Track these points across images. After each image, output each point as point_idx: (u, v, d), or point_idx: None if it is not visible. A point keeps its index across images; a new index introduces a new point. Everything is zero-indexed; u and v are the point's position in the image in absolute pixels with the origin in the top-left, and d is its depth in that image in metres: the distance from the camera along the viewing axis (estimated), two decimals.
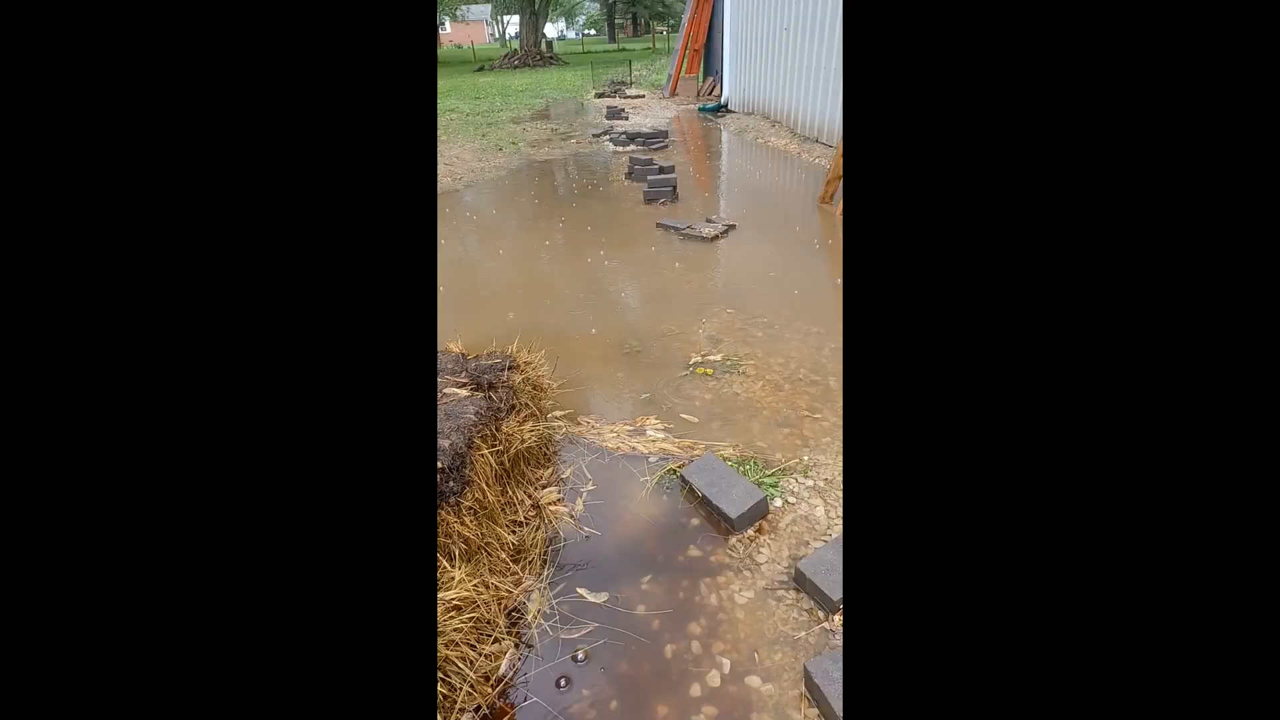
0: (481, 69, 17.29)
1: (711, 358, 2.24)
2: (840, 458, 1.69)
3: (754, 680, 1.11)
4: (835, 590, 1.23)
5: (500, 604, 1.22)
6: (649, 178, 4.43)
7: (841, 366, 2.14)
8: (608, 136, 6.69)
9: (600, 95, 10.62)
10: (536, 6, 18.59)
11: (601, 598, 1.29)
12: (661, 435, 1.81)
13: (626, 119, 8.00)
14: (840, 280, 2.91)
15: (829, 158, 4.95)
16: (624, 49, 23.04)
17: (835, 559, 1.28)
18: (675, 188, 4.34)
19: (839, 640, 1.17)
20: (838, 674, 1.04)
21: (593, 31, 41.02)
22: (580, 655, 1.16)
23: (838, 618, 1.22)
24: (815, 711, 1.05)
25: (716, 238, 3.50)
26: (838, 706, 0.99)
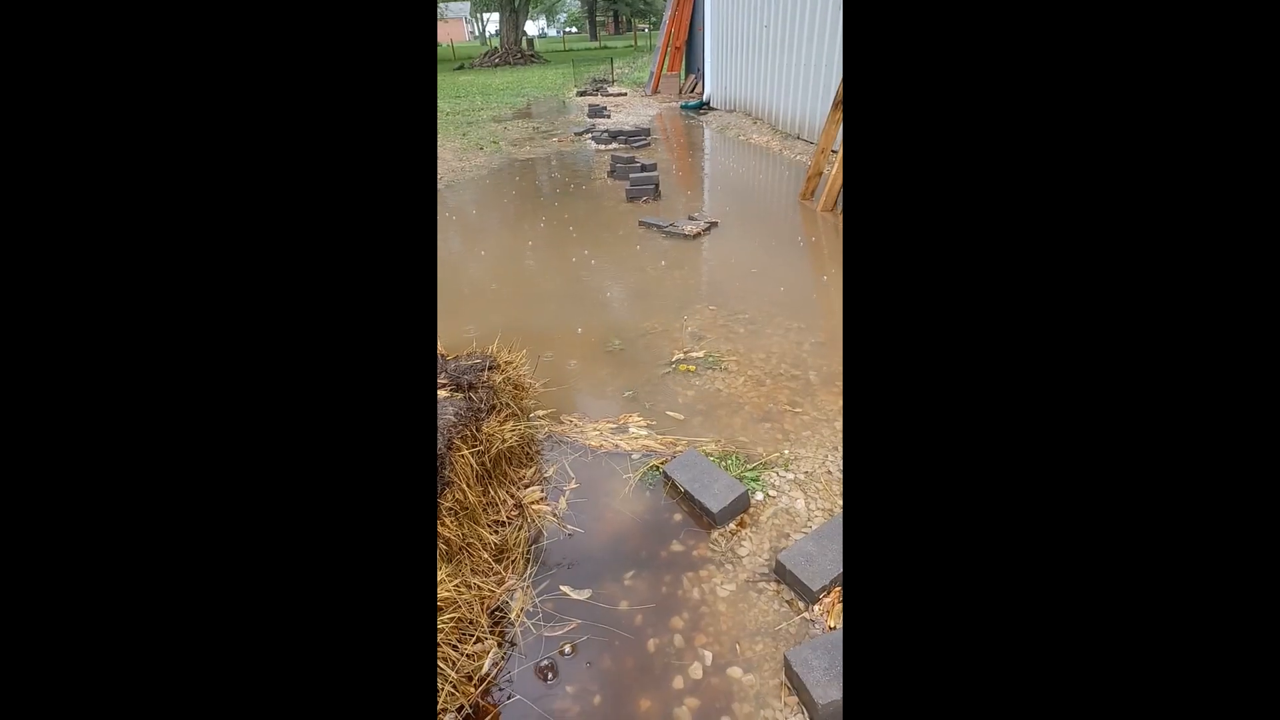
0: (461, 67, 17.13)
1: (694, 354, 2.25)
2: (820, 450, 1.71)
3: (735, 671, 1.13)
4: (814, 581, 1.25)
5: (483, 603, 1.22)
6: (631, 176, 4.43)
7: (822, 361, 2.17)
8: (590, 135, 6.67)
9: (582, 93, 10.58)
10: (516, 4, 18.44)
11: (585, 594, 1.29)
12: (644, 432, 1.82)
13: (609, 117, 7.98)
14: (825, 277, 2.94)
15: (810, 154, 4.99)
16: (606, 47, 22.97)
17: (814, 550, 1.30)
18: (658, 185, 4.35)
19: (819, 629, 1.20)
20: (816, 662, 1.05)
21: (574, 29, 40.82)
22: (568, 649, 1.17)
23: (817, 608, 1.24)
24: (795, 699, 1.07)
25: (699, 235, 3.52)
26: (816, 694, 1.01)
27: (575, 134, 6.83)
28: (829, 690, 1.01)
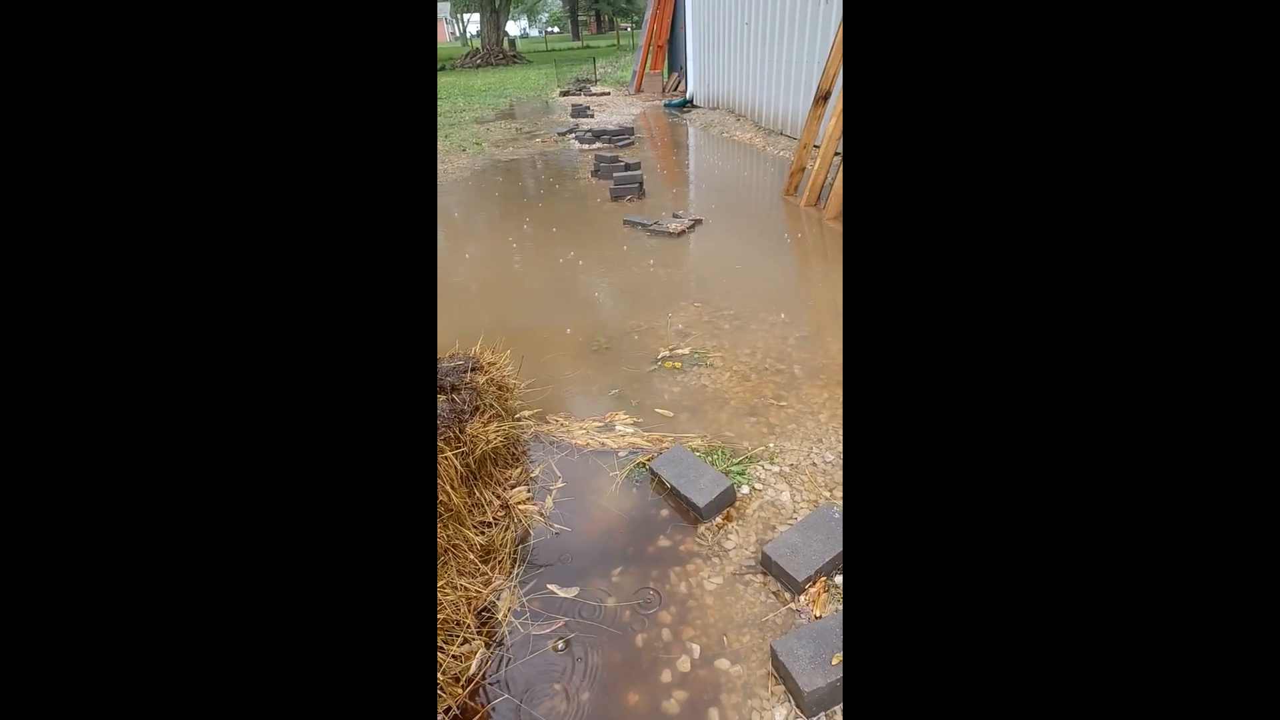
0: (443, 68, 17.01)
1: (680, 351, 2.26)
2: (805, 443, 1.73)
3: (723, 663, 1.14)
4: (799, 571, 1.26)
5: (469, 604, 1.22)
6: (615, 175, 4.43)
7: (806, 355, 2.19)
8: (573, 135, 6.66)
9: (565, 93, 10.55)
10: (497, 4, 18.34)
11: (572, 592, 1.30)
12: (631, 430, 1.83)
13: (592, 117, 7.97)
14: (810, 271, 2.96)
15: (793, 150, 5.02)
16: (588, 46, 22.93)
17: (799, 541, 1.32)
18: (642, 184, 4.35)
19: (804, 619, 1.21)
20: (802, 651, 1.07)
21: (556, 29, 40.69)
22: (561, 645, 1.17)
23: (803, 598, 1.25)
24: (782, 688, 1.08)
25: (684, 233, 3.53)
26: (802, 682, 1.02)
27: (559, 134, 6.81)
28: (814, 678, 1.02)
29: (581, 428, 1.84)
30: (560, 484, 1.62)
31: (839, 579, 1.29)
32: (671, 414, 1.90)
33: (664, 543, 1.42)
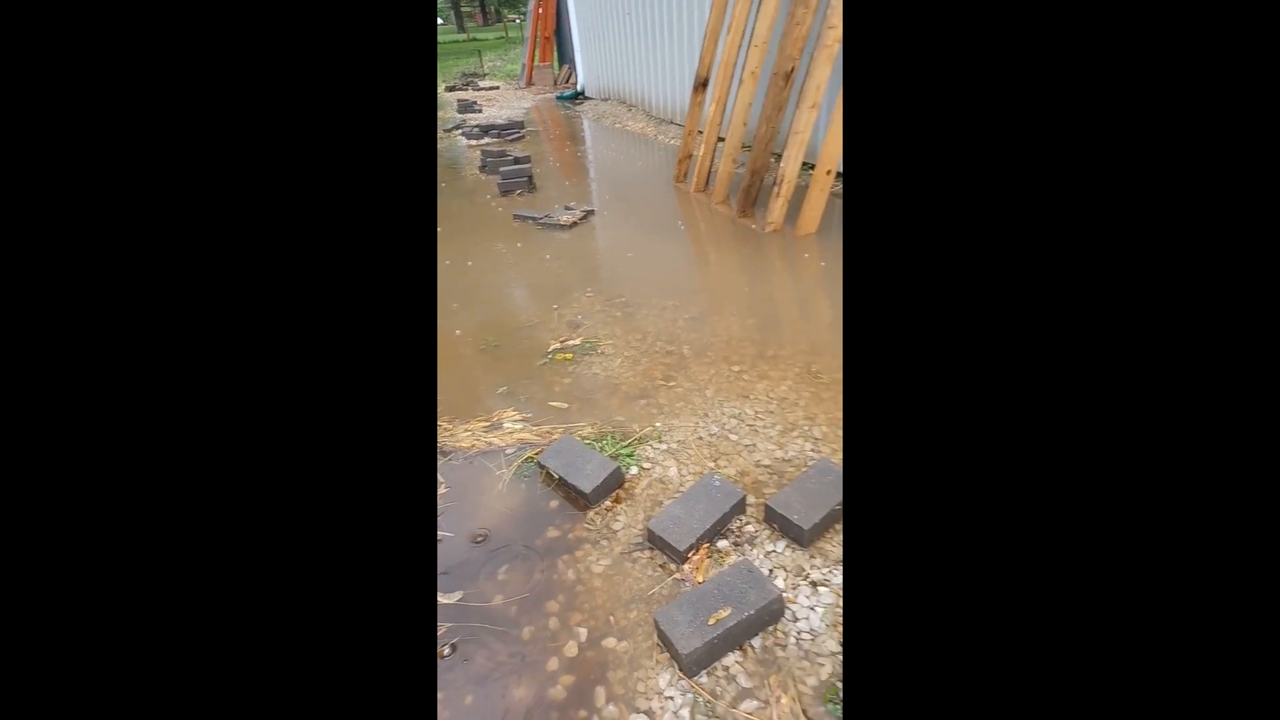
0: None
1: (571, 342, 2.25)
2: (692, 419, 1.78)
3: (610, 641, 1.15)
4: (682, 541, 1.30)
5: None
6: (502, 169, 4.31)
7: (695, 335, 2.25)
8: (460, 131, 6.41)
9: (451, 89, 10.12)
10: None
11: (455, 598, 1.25)
12: (519, 426, 1.79)
13: (480, 111, 7.71)
14: (698, 254, 3.04)
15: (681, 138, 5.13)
16: (475, 39, 22.10)
17: (682, 513, 1.36)
18: (531, 178, 4.27)
19: (688, 586, 1.25)
20: (681, 617, 1.10)
21: (439, 20, 38.82)
22: (448, 650, 1.13)
23: (687, 566, 1.29)
24: (666, 656, 1.11)
25: (575, 224, 3.50)
26: (680, 645, 1.06)
27: (445, 131, 6.53)
28: (691, 640, 1.06)
29: (466, 430, 1.78)
30: (443, 490, 1.56)
31: (721, 544, 1.34)
32: (565, 405, 1.88)
33: (553, 533, 1.41)
